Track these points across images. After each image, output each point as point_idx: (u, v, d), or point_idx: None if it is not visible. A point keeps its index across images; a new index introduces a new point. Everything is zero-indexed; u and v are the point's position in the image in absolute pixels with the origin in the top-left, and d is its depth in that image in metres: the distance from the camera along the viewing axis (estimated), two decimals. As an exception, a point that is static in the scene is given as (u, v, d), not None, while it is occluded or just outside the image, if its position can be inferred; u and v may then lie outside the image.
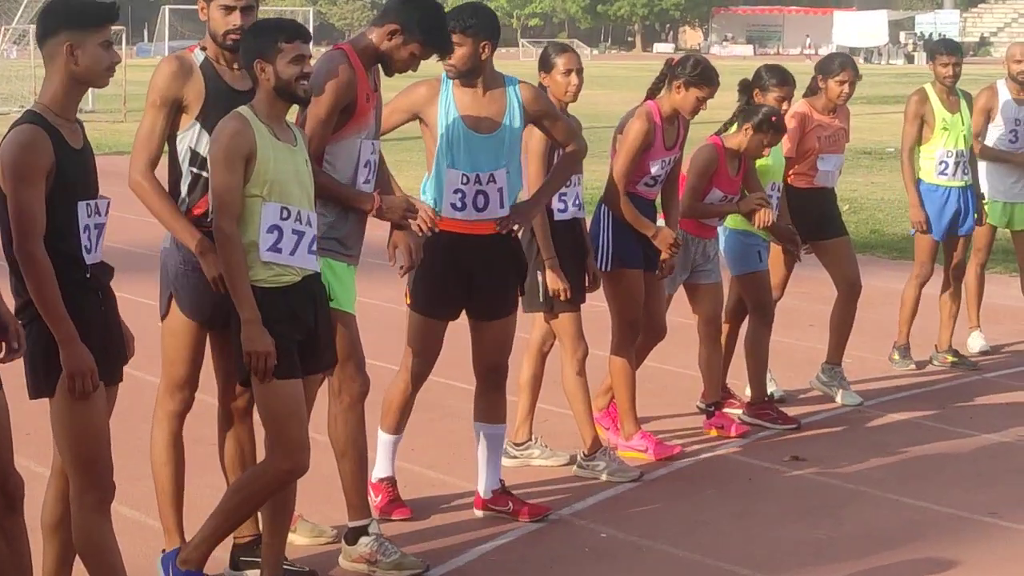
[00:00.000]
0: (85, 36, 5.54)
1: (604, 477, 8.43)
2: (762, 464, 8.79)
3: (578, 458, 8.61)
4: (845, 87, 10.24)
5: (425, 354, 7.68)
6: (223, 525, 6.41)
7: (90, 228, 5.69)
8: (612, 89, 12.66)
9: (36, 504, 5.69)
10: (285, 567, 6.74)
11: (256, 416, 6.54)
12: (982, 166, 11.38)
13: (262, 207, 6.09)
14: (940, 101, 11.09)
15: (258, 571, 6.40)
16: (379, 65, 7.08)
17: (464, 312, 7.70)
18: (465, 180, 7.40)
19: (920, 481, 8.46)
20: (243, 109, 6.14)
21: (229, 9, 6.44)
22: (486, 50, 7.45)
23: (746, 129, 8.99)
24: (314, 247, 6.32)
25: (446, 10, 7.41)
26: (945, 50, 11.33)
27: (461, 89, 7.49)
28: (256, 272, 6.11)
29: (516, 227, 7.66)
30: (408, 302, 7.65)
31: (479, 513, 7.75)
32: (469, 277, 7.60)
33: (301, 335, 6.26)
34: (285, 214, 6.15)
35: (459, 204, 7.42)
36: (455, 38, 7.32)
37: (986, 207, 11.36)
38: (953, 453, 9.13)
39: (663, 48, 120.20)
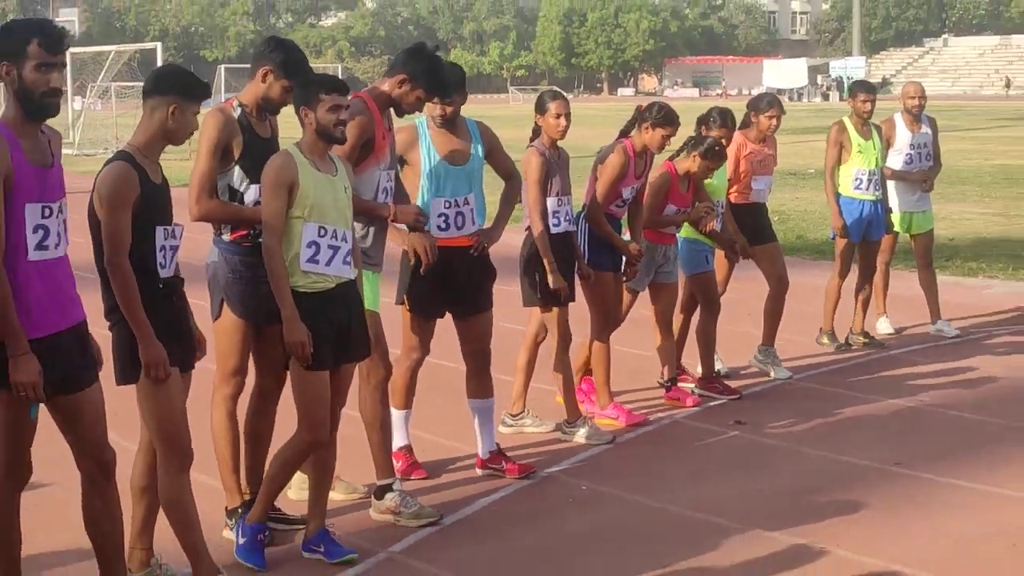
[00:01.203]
0: (187, 105, 5.72)
1: (583, 440, 8.55)
2: (711, 428, 9.02)
3: (562, 425, 8.81)
4: (773, 121, 10.51)
5: (421, 346, 7.85)
6: (271, 487, 6.61)
7: (165, 248, 5.78)
8: (585, 127, 12.90)
9: (125, 472, 5.75)
10: (273, 516, 6.85)
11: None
12: (889, 184, 11.64)
13: (303, 226, 6.17)
14: (856, 130, 11.39)
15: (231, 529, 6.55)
16: (391, 108, 7.21)
17: (448, 313, 7.89)
18: (447, 205, 7.60)
19: (840, 439, 8.73)
20: (290, 147, 6.27)
21: (287, 90, 6.56)
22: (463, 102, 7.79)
23: (694, 156, 9.22)
24: (349, 258, 6.37)
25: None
26: (864, 89, 11.70)
27: (435, 130, 7.67)
28: (296, 279, 6.20)
29: (486, 245, 7.79)
30: (406, 306, 7.79)
31: (480, 472, 7.92)
32: (454, 282, 7.72)
33: (334, 332, 6.35)
34: (322, 232, 6.21)
35: (444, 225, 7.60)
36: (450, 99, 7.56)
37: (892, 217, 11.64)
38: (867, 415, 9.39)
39: (625, 92, 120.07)
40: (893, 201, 11.75)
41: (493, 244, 7.84)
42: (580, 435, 8.64)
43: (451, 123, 7.67)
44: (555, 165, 8.44)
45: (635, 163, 8.95)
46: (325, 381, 6.39)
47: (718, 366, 10.21)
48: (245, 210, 6.68)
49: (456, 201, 7.63)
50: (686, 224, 9.39)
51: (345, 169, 6.47)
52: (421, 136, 7.63)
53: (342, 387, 6.64)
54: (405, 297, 7.72)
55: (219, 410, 6.75)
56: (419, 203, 7.58)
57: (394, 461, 7.55)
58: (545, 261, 8.26)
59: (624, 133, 9.06)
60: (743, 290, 10.58)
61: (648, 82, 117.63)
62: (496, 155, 7.96)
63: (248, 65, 7.24)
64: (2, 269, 5.01)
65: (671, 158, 9.44)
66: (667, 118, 8.97)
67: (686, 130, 9.44)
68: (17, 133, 5.13)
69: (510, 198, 8.09)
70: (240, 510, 6.61)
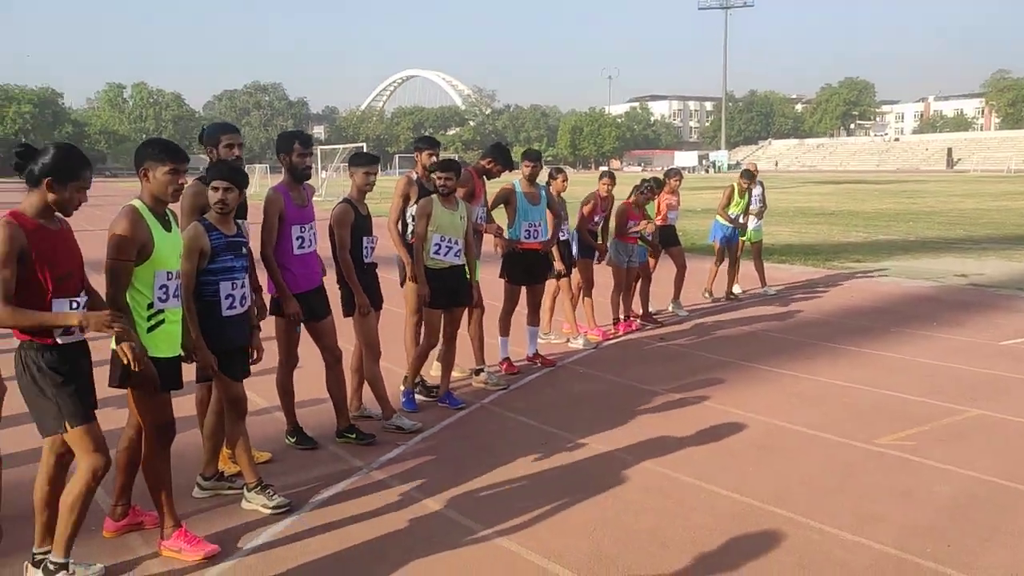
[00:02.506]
0: (361, 170, 5.68)
1: (581, 346, 8.40)
2: (649, 342, 8.86)
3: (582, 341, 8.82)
4: (677, 183, 10.51)
5: (513, 299, 7.54)
6: (416, 366, 6.32)
7: (367, 248, 5.74)
8: (579, 186, 12.77)
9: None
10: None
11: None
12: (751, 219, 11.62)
13: (432, 235, 6.13)
14: (737, 191, 11.31)
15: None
16: (484, 175, 7.14)
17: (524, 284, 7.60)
18: (530, 225, 7.53)
19: (714, 346, 8.57)
20: (433, 196, 6.17)
21: (440, 178, 6.17)
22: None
23: (639, 193, 9.27)
24: (459, 254, 6.23)
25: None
26: (748, 177, 11.32)
27: (524, 187, 7.56)
28: (429, 263, 6.15)
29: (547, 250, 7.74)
30: (506, 277, 7.55)
31: (527, 361, 7.70)
32: (531, 266, 7.55)
33: (446, 290, 6.20)
34: (441, 238, 6.14)
35: (527, 236, 7.52)
36: (535, 166, 7.52)
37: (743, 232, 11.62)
38: (729, 334, 9.09)
39: (603, 168, 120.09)
40: (750, 224, 11.75)
41: (548, 249, 7.76)
42: (578, 343, 8.54)
43: (532, 182, 7.60)
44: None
45: (601, 204, 8.92)
46: (439, 315, 6.21)
47: (672, 308, 10.26)
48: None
49: (534, 223, 7.56)
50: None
51: (465, 207, 6.33)
52: (517, 191, 7.52)
53: (455, 321, 6.43)
54: (506, 273, 7.62)
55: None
56: (515, 225, 7.52)
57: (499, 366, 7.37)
58: (555, 256, 8.01)
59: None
60: (665, 271, 10.59)
61: (615, 163, 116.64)
62: (551, 202, 7.85)
63: (411, 154, 7.28)
64: (273, 259, 5.15)
65: (628, 197, 9.30)
66: (644, 187, 9.16)
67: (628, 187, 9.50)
68: (288, 188, 5.24)
69: (557, 225, 7.95)
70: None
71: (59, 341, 3.39)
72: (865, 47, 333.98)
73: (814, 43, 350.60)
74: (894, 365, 7.78)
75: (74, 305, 3.42)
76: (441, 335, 6.40)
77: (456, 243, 6.23)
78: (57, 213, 3.46)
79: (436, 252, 6.18)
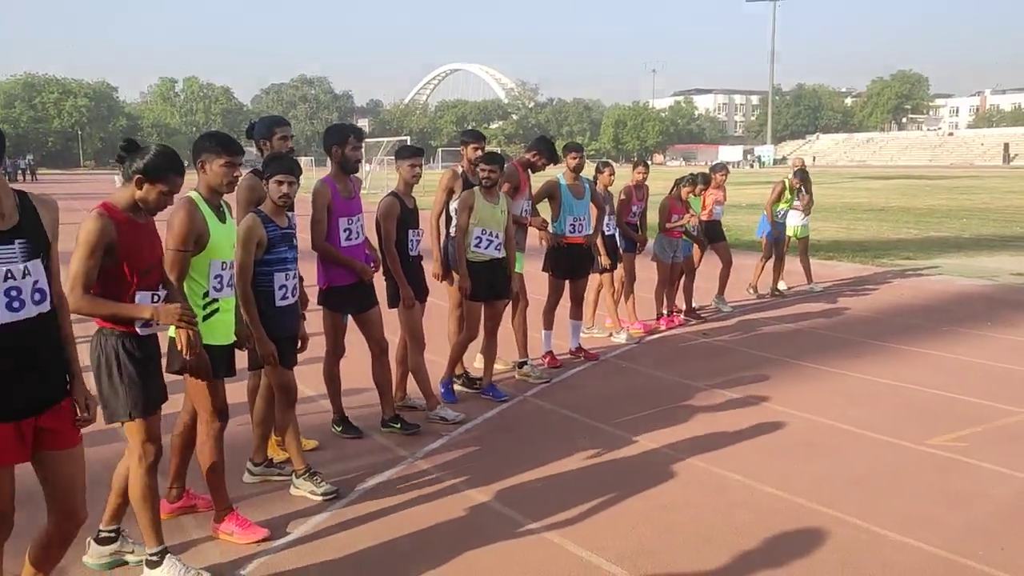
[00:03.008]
0: (406, 162, 5.73)
1: (623, 340, 8.40)
2: (692, 337, 8.84)
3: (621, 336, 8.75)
4: (724, 178, 10.41)
5: (557, 292, 7.56)
6: (454, 357, 6.37)
7: (412, 241, 5.80)
8: (621, 180, 12.73)
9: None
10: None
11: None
12: (792, 214, 11.47)
13: (473, 228, 6.15)
14: (790, 186, 11.15)
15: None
16: (529, 168, 7.14)
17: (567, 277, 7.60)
18: (574, 220, 7.51)
19: (756, 342, 8.52)
20: (475, 189, 6.19)
21: (478, 157, 6.40)
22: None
23: (681, 187, 9.18)
24: (499, 248, 6.25)
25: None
26: (801, 177, 11.26)
27: (569, 180, 7.53)
28: (469, 255, 6.15)
29: (591, 243, 7.73)
30: (550, 272, 7.55)
31: (570, 355, 7.72)
32: (574, 260, 7.53)
33: (486, 283, 6.21)
34: (482, 232, 6.15)
35: (571, 230, 7.50)
36: (579, 159, 7.47)
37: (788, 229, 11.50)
38: (773, 331, 9.04)
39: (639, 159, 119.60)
40: (791, 220, 11.62)
41: (592, 243, 7.75)
42: (621, 338, 8.52)
43: (576, 175, 7.57)
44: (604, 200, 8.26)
45: (636, 193, 8.85)
46: (479, 308, 6.25)
47: (715, 303, 10.17)
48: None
49: (579, 217, 7.54)
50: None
51: (506, 200, 6.35)
52: (561, 184, 7.50)
53: (496, 315, 6.45)
54: (550, 267, 7.61)
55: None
56: (559, 219, 7.50)
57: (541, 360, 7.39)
58: (601, 249, 8.06)
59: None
60: (711, 265, 10.51)
61: (657, 158, 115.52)
62: (595, 196, 7.84)
63: (455, 148, 7.31)
64: (329, 246, 5.19)
65: (670, 192, 9.26)
66: (691, 180, 9.19)
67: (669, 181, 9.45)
68: (335, 181, 5.27)
69: (600, 218, 7.96)
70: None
71: (140, 332, 3.44)
72: (919, 39, 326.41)
73: (865, 35, 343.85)
74: (946, 365, 7.62)
75: (155, 298, 3.47)
76: (482, 328, 6.43)
77: (497, 236, 6.24)
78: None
79: (477, 245, 6.20)
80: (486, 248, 6.22)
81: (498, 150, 15.59)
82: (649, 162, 9.16)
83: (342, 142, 5.27)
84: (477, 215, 6.15)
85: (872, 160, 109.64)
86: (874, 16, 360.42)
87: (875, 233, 19.83)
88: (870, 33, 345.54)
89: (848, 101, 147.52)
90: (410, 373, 6.08)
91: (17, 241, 2.73)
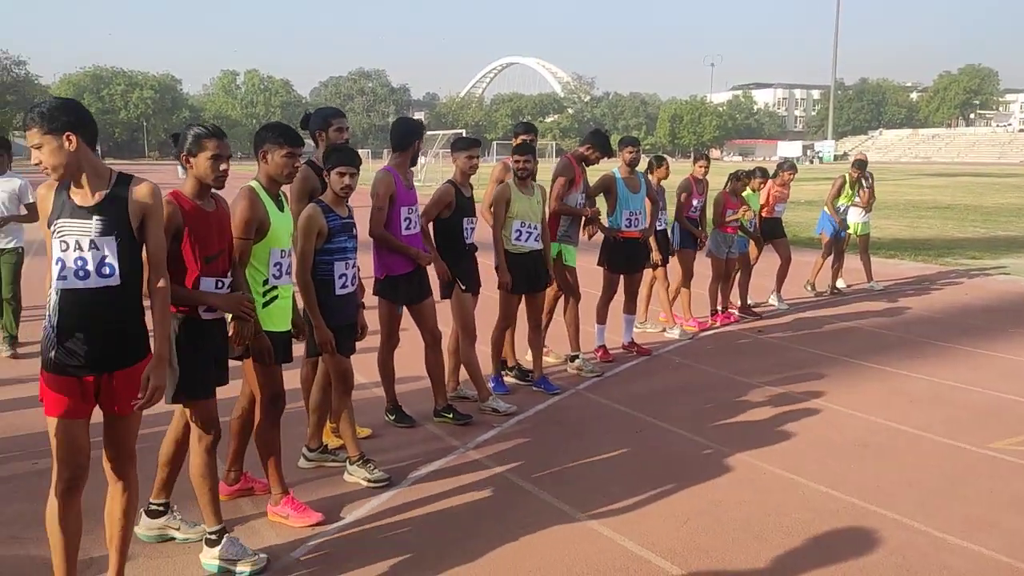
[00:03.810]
0: (462, 154, 5.76)
1: (677, 336, 8.37)
2: (747, 334, 8.76)
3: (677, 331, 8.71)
4: (791, 176, 10.21)
5: (613, 287, 7.55)
6: (496, 354, 6.35)
7: (467, 230, 5.86)
8: (678, 176, 12.57)
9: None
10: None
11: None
12: (853, 211, 11.25)
13: (511, 221, 6.16)
14: (850, 180, 10.96)
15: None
16: (584, 162, 7.08)
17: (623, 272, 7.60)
18: (630, 214, 7.49)
19: (815, 341, 8.39)
20: (510, 181, 6.22)
21: (519, 161, 6.21)
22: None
23: (735, 181, 9.06)
24: (538, 239, 6.25)
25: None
26: (859, 166, 11.05)
27: (624, 175, 7.50)
28: (509, 248, 6.16)
29: (647, 237, 7.74)
30: (606, 266, 7.57)
31: (623, 350, 7.73)
32: (631, 255, 7.52)
33: (525, 276, 6.21)
34: (522, 224, 6.17)
35: (627, 224, 7.48)
36: (635, 153, 7.42)
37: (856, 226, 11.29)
38: (830, 329, 8.93)
39: (699, 150, 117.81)
40: (852, 217, 11.40)
41: (647, 237, 7.73)
42: (674, 333, 8.50)
43: (631, 169, 7.53)
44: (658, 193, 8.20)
45: (697, 187, 8.78)
46: (516, 299, 6.32)
47: (772, 300, 10.04)
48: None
49: (635, 212, 7.53)
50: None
51: (540, 191, 6.32)
52: (617, 179, 7.48)
53: (536, 307, 6.44)
54: (605, 261, 7.63)
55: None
56: (615, 213, 7.49)
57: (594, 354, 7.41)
58: (654, 245, 8.03)
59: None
60: (770, 262, 10.39)
61: (714, 153, 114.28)
62: (650, 190, 7.80)
63: (509, 141, 7.29)
64: (388, 233, 5.23)
65: (724, 188, 9.17)
66: (737, 176, 9.05)
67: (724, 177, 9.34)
68: (398, 170, 5.32)
69: (655, 212, 7.92)
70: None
71: (203, 316, 3.54)
72: (989, 32, 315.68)
73: (933, 28, 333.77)
74: (1011, 367, 7.41)
75: (219, 284, 3.56)
76: (527, 321, 6.44)
77: (535, 228, 6.25)
78: (213, 192, 3.59)
79: (517, 238, 6.21)
80: (526, 240, 6.23)
81: (553, 144, 15.51)
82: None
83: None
84: (514, 207, 6.17)
85: (937, 157, 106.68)
86: (943, 8, 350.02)
87: (939, 231, 19.33)
88: (938, 26, 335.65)
89: (913, 96, 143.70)
90: (462, 364, 6.12)
91: (96, 218, 2.93)
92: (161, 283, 3.08)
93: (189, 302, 3.50)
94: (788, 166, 10.37)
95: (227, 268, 3.63)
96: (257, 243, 3.89)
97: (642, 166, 7.89)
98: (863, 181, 11.21)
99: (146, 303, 3.12)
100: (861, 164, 11.12)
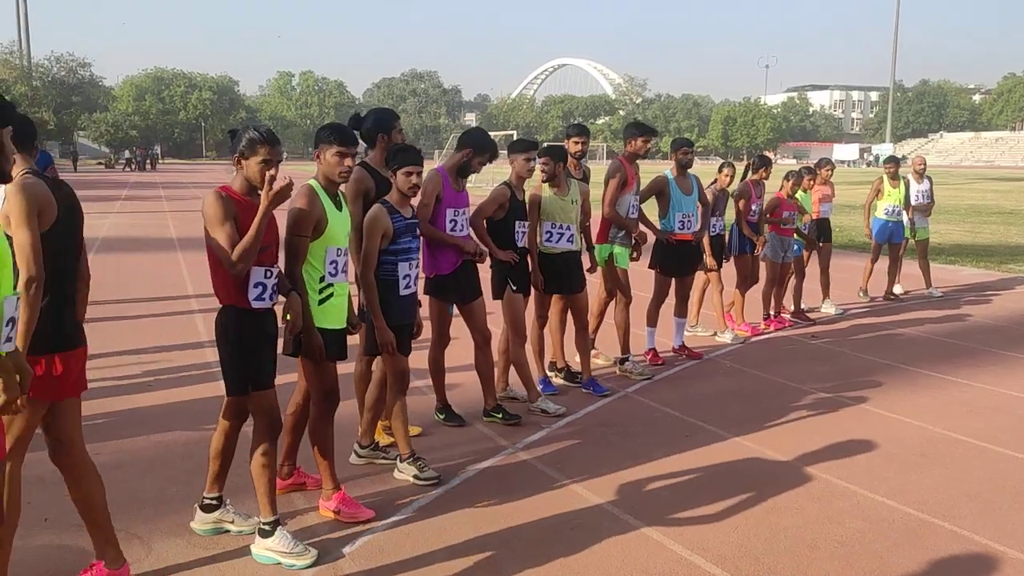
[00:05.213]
0: (515, 157, 5.76)
1: (728, 340, 8.28)
2: (800, 340, 8.62)
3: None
4: (830, 172, 10.08)
5: (664, 293, 7.48)
6: (522, 372, 5.93)
7: (519, 233, 5.86)
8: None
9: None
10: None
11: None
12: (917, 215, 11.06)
13: (542, 223, 6.14)
14: (888, 181, 10.79)
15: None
16: (636, 161, 6.92)
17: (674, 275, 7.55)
18: (683, 216, 7.43)
19: (870, 347, 8.19)
20: (543, 184, 6.17)
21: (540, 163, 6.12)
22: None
23: (787, 180, 8.91)
24: (572, 240, 6.17)
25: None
26: (890, 161, 10.97)
27: (677, 177, 7.43)
28: (542, 249, 6.13)
29: (699, 240, 7.66)
30: (657, 268, 7.49)
31: (672, 353, 7.66)
32: (683, 257, 7.45)
33: (556, 277, 6.16)
34: (552, 225, 6.14)
35: (679, 227, 7.41)
36: (689, 154, 7.34)
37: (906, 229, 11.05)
38: (887, 335, 8.70)
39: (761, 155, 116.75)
40: (907, 221, 11.15)
41: (700, 239, 7.67)
42: (726, 337, 8.43)
43: (684, 171, 7.44)
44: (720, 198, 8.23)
45: (755, 190, 8.68)
46: (549, 298, 6.36)
47: (805, 307, 9.85)
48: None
49: (687, 214, 7.46)
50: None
51: (578, 189, 6.26)
52: (669, 180, 7.42)
53: (579, 309, 6.32)
54: (657, 263, 7.53)
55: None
56: (668, 216, 7.42)
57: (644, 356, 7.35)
58: (707, 248, 8.03)
59: (743, 175, 8.72)
60: (812, 264, 10.21)
61: (769, 154, 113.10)
62: (701, 193, 7.69)
63: (560, 142, 7.13)
64: (432, 228, 5.20)
65: (779, 190, 9.03)
66: (791, 175, 8.91)
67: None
68: (448, 173, 5.31)
69: (706, 214, 7.80)
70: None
71: (254, 306, 3.61)
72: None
73: (997, 28, 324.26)
74: (1077, 378, 7.16)
75: (268, 274, 3.63)
76: (573, 323, 6.42)
77: (568, 229, 6.18)
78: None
79: (548, 239, 6.19)
80: (557, 241, 6.19)
81: (604, 145, 15.48)
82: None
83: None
84: (545, 210, 6.15)
85: (1001, 160, 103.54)
86: (1008, 6, 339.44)
87: (1002, 237, 18.78)
88: (1003, 26, 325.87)
89: (976, 98, 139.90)
90: (512, 365, 6.13)
91: None
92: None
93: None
94: (825, 162, 10.28)
95: (274, 260, 3.71)
96: (314, 241, 3.94)
97: (740, 169, 7.87)
98: (911, 180, 11.05)
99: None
100: (893, 160, 11.07)
